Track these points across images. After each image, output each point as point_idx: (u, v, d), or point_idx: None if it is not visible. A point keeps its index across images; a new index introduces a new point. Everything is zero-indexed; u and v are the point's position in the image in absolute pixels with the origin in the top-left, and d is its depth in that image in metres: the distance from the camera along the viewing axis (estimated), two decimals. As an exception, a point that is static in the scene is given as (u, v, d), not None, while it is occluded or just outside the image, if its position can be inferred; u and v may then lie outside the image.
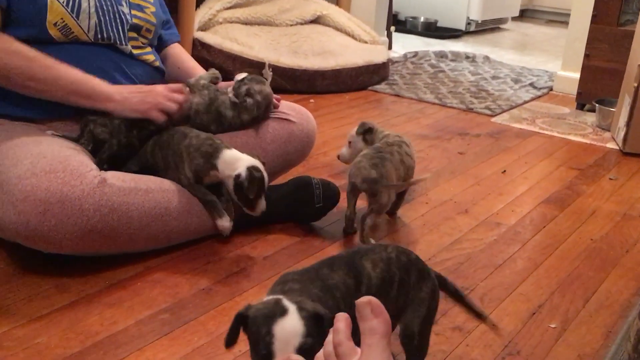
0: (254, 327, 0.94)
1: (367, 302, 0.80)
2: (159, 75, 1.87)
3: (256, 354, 0.94)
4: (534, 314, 1.47)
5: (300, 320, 0.93)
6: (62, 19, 1.62)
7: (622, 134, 2.64)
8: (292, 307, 0.94)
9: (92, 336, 1.26)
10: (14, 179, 1.37)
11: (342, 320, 0.84)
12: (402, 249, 1.17)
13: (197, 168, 1.58)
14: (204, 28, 3.19)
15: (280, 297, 0.97)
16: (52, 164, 1.39)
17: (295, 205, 1.76)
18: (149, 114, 1.61)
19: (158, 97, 1.63)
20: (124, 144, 1.64)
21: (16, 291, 1.39)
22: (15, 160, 1.42)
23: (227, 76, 2.96)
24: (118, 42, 1.72)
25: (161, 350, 1.24)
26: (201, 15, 3.19)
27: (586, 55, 3.18)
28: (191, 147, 1.59)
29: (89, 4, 1.66)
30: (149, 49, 1.84)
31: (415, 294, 1.15)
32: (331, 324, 0.77)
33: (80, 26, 1.65)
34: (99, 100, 1.60)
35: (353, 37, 3.62)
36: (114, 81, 1.69)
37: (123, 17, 1.73)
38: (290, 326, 0.92)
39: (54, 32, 1.63)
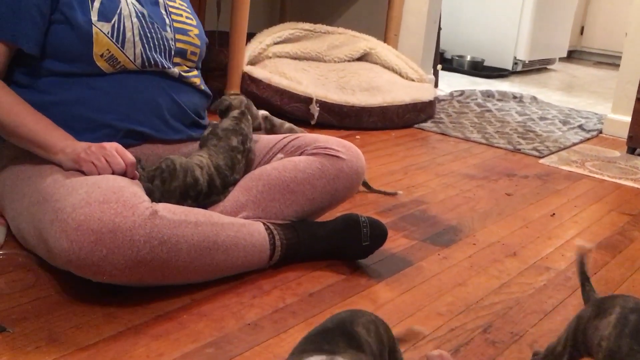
0: None
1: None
2: (205, 99, 1.90)
3: None
4: (585, 363, 1.42)
5: None
6: (108, 49, 1.66)
7: (675, 179, 2.58)
8: None
9: (138, 368, 1.26)
10: (68, 208, 1.39)
11: None
12: (370, 312, 1.11)
13: None
14: (253, 62, 3.23)
15: None
16: (105, 194, 1.41)
17: (342, 243, 1.75)
18: (81, 165, 1.56)
19: (99, 152, 1.56)
20: None
21: (65, 319, 1.40)
22: (71, 189, 1.44)
23: (275, 111, 3.01)
24: (165, 66, 1.76)
25: (206, 385, 1.23)
26: (251, 49, 3.24)
27: (638, 99, 3.13)
28: None
29: (132, 32, 1.69)
30: (195, 72, 1.87)
31: (397, 356, 1.11)
32: None
33: (126, 55, 1.69)
34: (51, 152, 1.59)
35: (400, 74, 3.64)
36: (161, 110, 1.73)
37: (167, 42, 1.77)
38: None
39: (101, 64, 1.67)
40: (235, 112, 1.82)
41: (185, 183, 1.64)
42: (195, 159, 1.70)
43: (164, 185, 1.62)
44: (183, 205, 1.59)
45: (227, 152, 1.76)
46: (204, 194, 1.69)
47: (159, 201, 1.55)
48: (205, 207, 1.66)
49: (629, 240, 2.14)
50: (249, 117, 1.86)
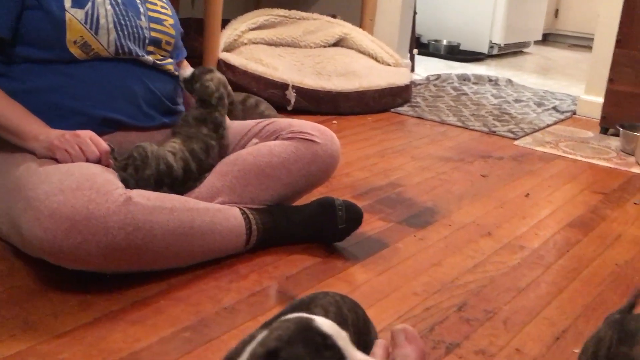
0: (298, 349, 0.77)
1: (402, 329, 0.80)
2: (180, 86, 1.89)
3: None
4: (557, 338, 1.45)
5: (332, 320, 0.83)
6: (81, 36, 1.65)
7: (647, 158, 2.62)
8: (312, 315, 0.82)
9: (115, 353, 1.27)
10: (41, 196, 1.39)
11: (380, 346, 0.84)
12: (341, 294, 1.11)
13: None
14: (228, 49, 3.22)
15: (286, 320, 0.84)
16: (79, 182, 1.41)
17: (318, 226, 1.76)
18: (55, 153, 1.56)
19: (72, 140, 1.57)
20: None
21: (40, 307, 1.40)
22: (44, 177, 1.43)
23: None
24: (139, 55, 1.75)
25: (183, 369, 1.24)
26: (226, 36, 3.22)
27: (610, 80, 3.17)
28: None
29: (107, 19, 1.69)
30: (170, 60, 1.86)
31: (366, 338, 1.10)
32: None
33: (99, 42, 1.68)
34: (25, 139, 1.59)
35: (376, 59, 3.64)
36: (135, 97, 1.72)
37: (141, 31, 1.76)
38: (332, 322, 0.80)
39: (74, 51, 1.66)
40: (213, 99, 1.81)
41: (158, 170, 1.64)
42: (168, 145, 1.70)
43: (138, 174, 1.61)
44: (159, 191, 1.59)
45: (199, 138, 1.76)
46: (180, 181, 1.69)
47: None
48: (181, 193, 1.66)
49: (600, 218, 2.17)
50: (226, 101, 1.85)
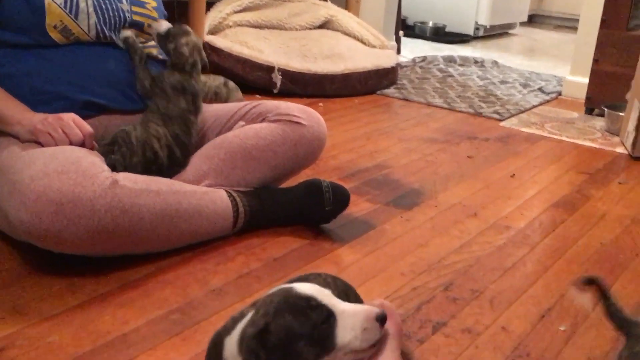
0: (285, 319, 0.77)
1: (379, 304, 0.81)
2: (163, 68, 1.86)
3: (312, 337, 0.76)
4: (543, 316, 1.47)
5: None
6: (61, 20, 1.64)
7: (631, 138, 2.64)
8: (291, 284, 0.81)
9: (104, 335, 1.27)
10: (26, 179, 1.38)
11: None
12: (333, 275, 1.11)
13: None
14: (214, 31, 3.20)
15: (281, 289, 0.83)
16: (64, 165, 1.40)
17: (305, 208, 1.77)
18: (38, 136, 1.55)
19: (56, 123, 1.56)
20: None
21: (28, 291, 1.40)
22: (29, 161, 1.43)
23: (237, 80, 3.00)
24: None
25: (172, 350, 1.24)
26: (211, 18, 3.20)
27: (595, 60, 3.18)
28: None
29: (86, 3, 1.67)
30: (152, 43, 1.85)
31: None
32: None
33: (80, 26, 1.67)
34: (7, 124, 1.58)
35: (362, 41, 3.63)
36: (118, 80, 1.71)
37: (122, 14, 1.75)
38: (312, 284, 0.80)
39: (54, 35, 1.65)
40: (187, 66, 1.76)
41: (145, 158, 1.63)
42: (152, 129, 1.68)
43: (125, 160, 1.60)
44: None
45: (179, 116, 1.73)
46: (166, 167, 1.68)
47: None
48: (168, 177, 1.66)
49: (585, 198, 2.19)
50: (199, 67, 1.81)
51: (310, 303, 0.77)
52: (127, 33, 1.75)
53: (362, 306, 0.76)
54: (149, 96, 1.74)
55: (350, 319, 0.77)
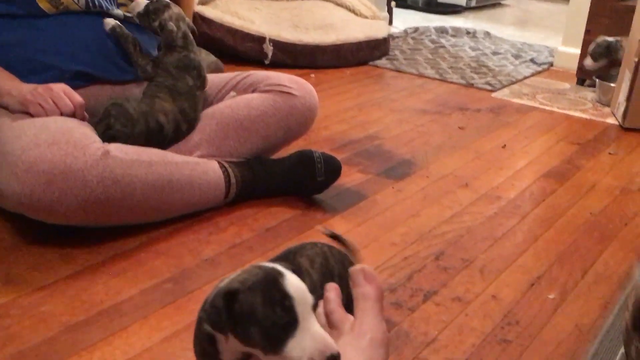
0: (255, 298, 0.76)
1: (360, 269, 0.82)
2: (154, 38, 1.84)
3: (267, 330, 0.76)
4: (532, 285, 1.48)
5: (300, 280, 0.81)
6: None
7: (622, 109, 2.64)
8: (286, 270, 0.81)
9: (97, 305, 1.28)
10: (17, 150, 1.38)
11: (332, 289, 0.85)
12: (329, 244, 1.11)
13: None
14: (204, 2, 3.17)
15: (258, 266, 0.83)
16: (55, 136, 1.40)
17: (297, 179, 1.77)
18: (28, 107, 1.54)
19: (46, 93, 1.55)
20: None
21: (21, 261, 1.40)
22: (19, 132, 1.42)
23: (229, 51, 2.98)
24: (109, 8, 1.72)
25: (165, 319, 1.25)
26: (201, -12, 3.17)
27: (587, 31, 3.17)
28: None
29: None
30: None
31: None
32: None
33: None
34: None
35: (354, 12, 3.61)
36: (108, 50, 1.70)
37: None
38: (301, 284, 0.79)
39: (43, 5, 1.63)
40: (178, 41, 1.74)
41: (149, 128, 1.62)
42: (157, 105, 1.66)
43: (127, 129, 1.58)
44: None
45: (187, 93, 1.72)
46: (170, 139, 1.68)
47: None
48: (162, 148, 1.65)
49: (576, 168, 2.20)
50: (191, 37, 1.78)
51: (284, 302, 0.76)
52: (111, 23, 1.71)
53: (324, 337, 0.75)
54: (153, 80, 1.73)
55: (306, 341, 0.76)
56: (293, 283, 0.78)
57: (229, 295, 0.77)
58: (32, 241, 1.48)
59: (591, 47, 3.00)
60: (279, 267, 0.81)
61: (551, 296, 1.44)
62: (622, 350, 1.24)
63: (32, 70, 1.62)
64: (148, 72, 1.73)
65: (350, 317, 0.80)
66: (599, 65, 3.01)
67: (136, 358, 1.15)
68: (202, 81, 1.77)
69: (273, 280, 0.78)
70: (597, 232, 1.75)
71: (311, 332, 0.75)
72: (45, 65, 1.63)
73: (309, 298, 0.78)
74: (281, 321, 0.75)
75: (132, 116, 1.60)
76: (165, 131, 1.66)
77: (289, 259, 1.03)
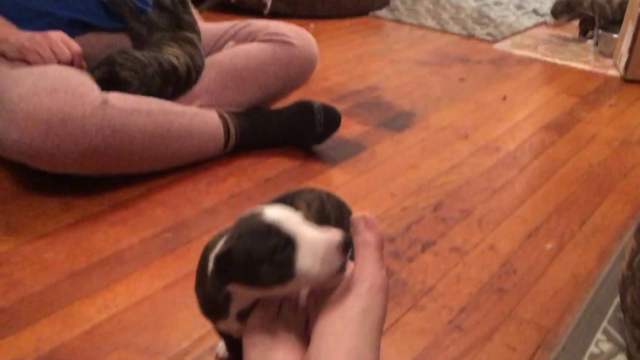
0: (246, 244, 0.75)
1: (361, 216, 0.82)
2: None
3: (272, 261, 0.75)
4: (530, 235, 1.49)
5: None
6: None
7: (624, 60, 2.62)
8: (260, 206, 0.80)
9: (98, 253, 1.29)
10: (16, 98, 1.37)
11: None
12: (328, 191, 1.11)
13: None
14: (202, -50, 3.11)
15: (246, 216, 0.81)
16: (54, 84, 1.39)
17: (297, 129, 1.77)
18: (26, 55, 1.53)
19: (44, 41, 1.53)
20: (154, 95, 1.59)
21: (21, 209, 1.41)
22: (17, 79, 1.41)
23: (226, 1, 2.94)
24: None
25: (165, 267, 1.27)
26: (199, -64, 3.11)
27: (591, -19, 3.13)
28: None
29: None
30: None
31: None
32: None
33: None
34: None
35: (354, -40, 3.55)
36: (91, 13, 1.68)
37: None
38: (281, 209, 0.78)
39: None
40: (169, 4, 1.71)
41: (162, 69, 1.60)
42: (166, 51, 1.65)
43: (139, 73, 1.56)
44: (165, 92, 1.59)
45: (191, 42, 1.70)
46: (183, 83, 1.67)
47: (136, 92, 1.54)
48: (172, 99, 1.64)
49: (576, 120, 2.19)
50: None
51: (270, 228, 0.77)
52: None
53: (324, 234, 0.76)
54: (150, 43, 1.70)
55: (311, 246, 0.77)
56: (273, 211, 0.78)
57: (223, 258, 0.77)
58: (33, 190, 1.48)
59: (553, 5, 3.08)
60: (253, 209, 0.81)
61: (549, 246, 1.46)
62: (617, 299, 1.26)
63: (27, 17, 1.60)
64: (144, 37, 1.72)
65: (351, 263, 0.80)
66: (561, 22, 3.12)
67: (137, 304, 1.16)
68: (197, 35, 1.75)
69: (254, 220, 0.78)
70: (595, 184, 1.76)
71: (308, 239, 0.76)
72: (39, 12, 1.61)
73: (294, 215, 0.78)
74: (279, 244, 0.75)
75: (141, 60, 1.58)
76: (179, 73, 1.64)
77: (287, 201, 1.04)
